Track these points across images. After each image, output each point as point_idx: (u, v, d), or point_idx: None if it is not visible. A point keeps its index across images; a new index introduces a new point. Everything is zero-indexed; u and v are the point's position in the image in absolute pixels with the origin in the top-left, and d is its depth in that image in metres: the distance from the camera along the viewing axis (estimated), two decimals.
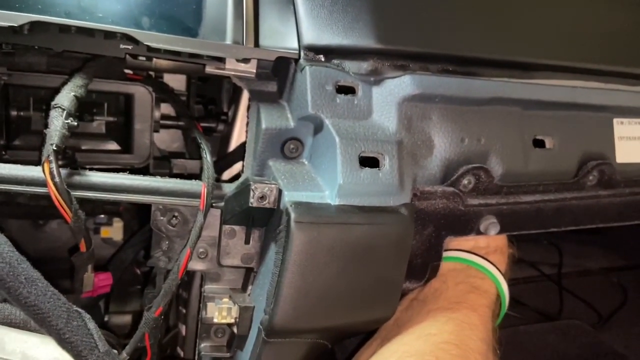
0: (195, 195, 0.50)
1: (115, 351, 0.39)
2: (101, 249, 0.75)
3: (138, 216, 0.77)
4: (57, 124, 0.44)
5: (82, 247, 0.50)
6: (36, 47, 0.50)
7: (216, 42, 0.49)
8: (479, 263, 0.57)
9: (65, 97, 0.46)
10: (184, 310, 0.65)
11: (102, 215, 0.77)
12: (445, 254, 0.59)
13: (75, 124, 0.46)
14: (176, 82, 0.72)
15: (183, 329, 0.66)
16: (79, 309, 0.37)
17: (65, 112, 0.45)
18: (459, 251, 0.59)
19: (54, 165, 0.43)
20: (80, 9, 0.48)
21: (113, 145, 0.67)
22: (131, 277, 0.74)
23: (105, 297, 0.74)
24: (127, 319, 0.72)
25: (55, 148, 0.43)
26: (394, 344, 0.48)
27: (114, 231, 0.77)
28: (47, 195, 0.45)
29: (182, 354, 0.68)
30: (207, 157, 0.52)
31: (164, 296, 0.49)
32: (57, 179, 0.43)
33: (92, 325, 0.37)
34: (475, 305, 0.53)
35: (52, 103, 0.45)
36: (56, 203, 0.44)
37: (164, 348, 0.71)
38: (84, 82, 0.49)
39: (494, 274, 0.57)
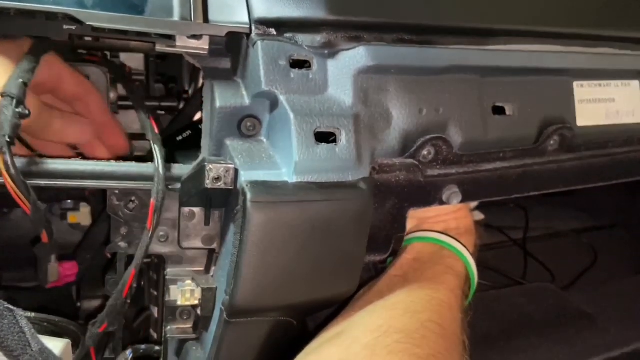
0: (152, 178, 0.49)
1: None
2: (70, 236, 0.73)
3: (105, 200, 0.76)
4: (8, 113, 0.43)
5: (44, 238, 0.49)
6: None
7: (163, 19, 0.47)
8: (452, 244, 0.59)
9: (14, 85, 0.44)
10: (155, 293, 0.65)
11: (69, 201, 0.75)
12: (419, 235, 0.59)
13: (27, 112, 0.44)
14: (135, 60, 0.70)
15: (155, 311, 0.66)
16: (11, 306, 0.36)
17: (15, 100, 0.43)
18: (432, 232, 0.60)
19: (8, 157, 0.42)
20: None
21: None
22: (102, 261, 0.73)
23: (77, 283, 0.73)
24: (99, 303, 0.72)
25: (8, 139, 0.42)
26: (378, 317, 0.48)
27: (82, 216, 0.75)
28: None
29: (155, 336, 0.68)
30: (159, 158, 0.48)
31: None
32: (12, 171, 0.42)
33: (24, 322, 0.36)
34: (451, 286, 0.54)
35: (1, 92, 0.44)
36: (14, 195, 0.43)
37: (137, 330, 0.71)
38: (32, 66, 0.47)
39: (465, 255, 0.58)
